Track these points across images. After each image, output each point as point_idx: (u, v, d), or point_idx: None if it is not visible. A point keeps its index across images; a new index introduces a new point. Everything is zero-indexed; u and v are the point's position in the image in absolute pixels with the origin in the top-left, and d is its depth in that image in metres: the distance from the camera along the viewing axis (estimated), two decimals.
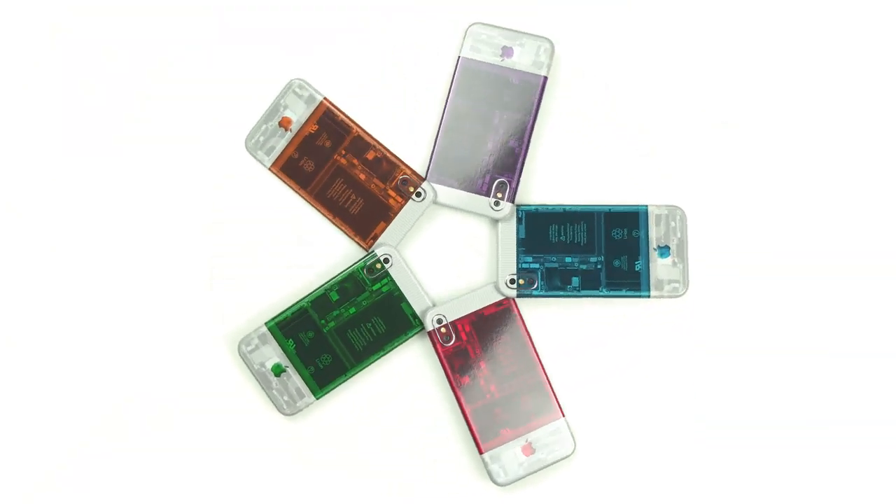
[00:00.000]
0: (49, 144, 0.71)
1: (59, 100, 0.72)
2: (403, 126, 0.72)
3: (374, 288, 0.70)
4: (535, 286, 0.70)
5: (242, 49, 0.72)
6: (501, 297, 0.70)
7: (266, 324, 0.69)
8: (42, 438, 0.70)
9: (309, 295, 0.70)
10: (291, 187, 0.71)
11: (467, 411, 0.69)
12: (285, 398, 0.69)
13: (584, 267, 0.70)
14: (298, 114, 0.71)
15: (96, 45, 0.72)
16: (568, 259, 0.70)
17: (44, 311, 0.71)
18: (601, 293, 0.69)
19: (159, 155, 0.71)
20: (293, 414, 0.69)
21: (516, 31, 0.70)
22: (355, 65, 0.72)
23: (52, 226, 0.71)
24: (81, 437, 0.71)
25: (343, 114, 0.71)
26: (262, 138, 0.71)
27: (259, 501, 0.70)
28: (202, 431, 0.71)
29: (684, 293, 0.69)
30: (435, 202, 0.70)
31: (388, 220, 0.70)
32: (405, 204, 0.70)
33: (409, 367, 0.71)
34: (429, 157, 0.71)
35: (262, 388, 0.69)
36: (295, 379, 0.70)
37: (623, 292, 0.69)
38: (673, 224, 0.70)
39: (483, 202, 0.70)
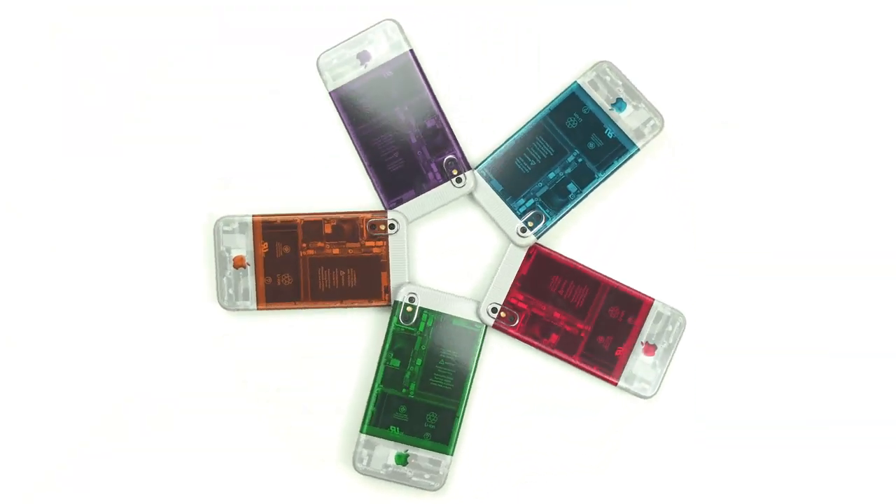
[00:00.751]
0: (49, 144, 0.71)
1: (59, 100, 0.71)
2: (334, 183, 0.71)
3: (421, 329, 0.69)
4: (544, 219, 0.69)
5: (243, 49, 0.72)
6: (525, 248, 0.69)
7: (361, 431, 0.68)
8: (42, 438, 0.70)
9: (375, 380, 0.69)
10: (288, 308, 0.70)
11: (577, 361, 0.69)
12: (426, 476, 0.68)
13: (569, 170, 0.69)
14: (243, 245, 0.69)
15: (96, 45, 0.72)
16: (551, 175, 0.70)
17: (44, 311, 0.71)
18: (600, 178, 0.69)
19: (159, 155, 0.71)
20: (444, 484, 0.68)
21: (357, 34, 0.70)
22: (252, 159, 0.71)
23: (52, 226, 0.71)
24: (81, 437, 0.70)
25: (278, 215, 0.69)
26: (231, 291, 0.69)
27: (258, 501, 0.70)
28: (202, 431, 0.70)
29: (663, 125, 0.69)
30: (410, 222, 0.70)
31: (386, 267, 0.69)
32: (387, 243, 0.69)
33: (498, 365, 0.71)
34: (374, 190, 0.70)
35: (403, 484, 0.68)
36: (422, 454, 0.68)
37: (615, 163, 0.69)
38: (608, 77, 0.69)
39: (446, 189, 0.70)
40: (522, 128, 0.70)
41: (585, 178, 0.70)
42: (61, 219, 0.71)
